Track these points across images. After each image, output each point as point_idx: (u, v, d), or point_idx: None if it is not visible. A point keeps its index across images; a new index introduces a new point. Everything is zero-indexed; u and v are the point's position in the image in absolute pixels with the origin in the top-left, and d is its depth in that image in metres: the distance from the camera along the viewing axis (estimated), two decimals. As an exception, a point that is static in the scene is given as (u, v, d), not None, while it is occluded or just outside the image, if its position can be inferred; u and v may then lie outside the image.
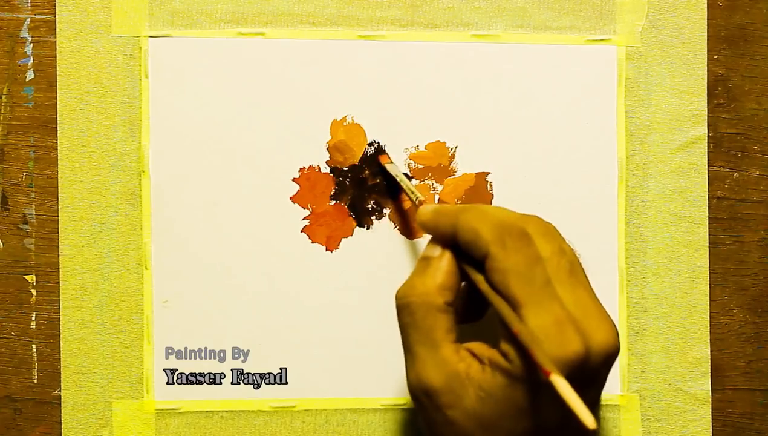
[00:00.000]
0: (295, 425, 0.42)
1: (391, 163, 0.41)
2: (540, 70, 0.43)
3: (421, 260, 0.34)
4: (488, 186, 0.43)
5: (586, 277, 0.33)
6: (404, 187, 0.40)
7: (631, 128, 0.43)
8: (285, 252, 0.42)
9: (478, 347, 0.32)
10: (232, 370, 0.42)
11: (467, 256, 0.33)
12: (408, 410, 0.42)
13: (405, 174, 0.42)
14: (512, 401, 0.30)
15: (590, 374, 0.31)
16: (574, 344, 0.30)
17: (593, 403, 0.33)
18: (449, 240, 0.34)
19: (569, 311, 0.31)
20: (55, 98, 0.42)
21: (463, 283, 0.35)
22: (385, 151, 0.42)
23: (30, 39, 0.42)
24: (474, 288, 0.34)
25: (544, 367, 0.29)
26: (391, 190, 0.42)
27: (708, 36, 0.43)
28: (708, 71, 0.43)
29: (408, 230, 0.42)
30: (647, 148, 0.43)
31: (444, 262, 0.34)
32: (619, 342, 0.32)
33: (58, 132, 0.42)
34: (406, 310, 0.33)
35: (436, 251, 0.34)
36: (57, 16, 0.42)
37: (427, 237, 0.43)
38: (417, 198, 0.38)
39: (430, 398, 0.32)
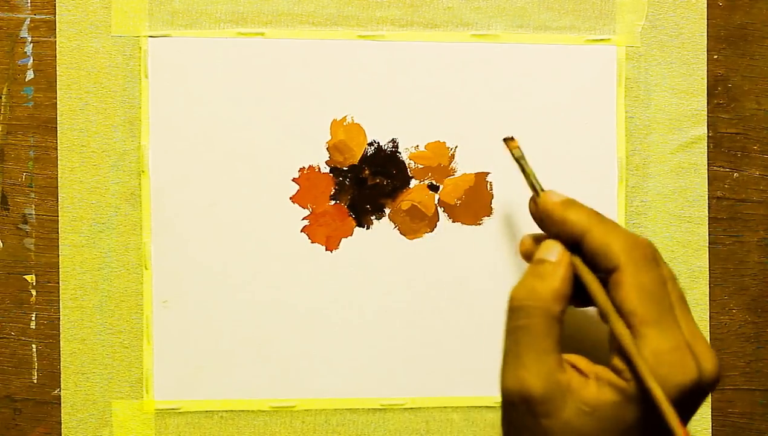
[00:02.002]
0: (295, 425, 0.42)
1: (518, 149, 0.38)
2: (540, 70, 0.43)
3: (537, 262, 0.34)
4: (488, 186, 0.43)
5: (689, 309, 0.33)
6: (529, 174, 0.37)
7: (630, 128, 0.43)
8: (285, 252, 0.42)
9: (580, 360, 0.32)
10: (232, 370, 0.42)
11: (587, 262, 0.33)
12: (408, 410, 0.42)
13: (406, 174, 0.42)
14: (620, 419, 0.30)
15: (695, 400, 0.31)
16: (693, 372, 0.30)
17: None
18: (570, 239, 0.33)
19: (685, 336, 0.31)
20: (55, 98, 0.42)
21: None
22: (513, 138, 0.39)
23: (30, 39, 0.42)
24: (587, 295, 0.33)
25: (669, 420, 0.29)
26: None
27: (708, 36, 0.43)
28: (708, 71, 0.43)
29: (409, 229, 0.42)
30: (647, 148, 0.43)
31: (563, 268, 0.33)
32: (720, 369, 0.32)
33: (58, 132, 0.42)
34: (522, 312, 0.32)
35: (554, 253, 0.33)
36: (57, 16, 0.42)
37: (427, 237, 0.42)
38: (539, 187, 0.36)
39: (528, 404, 0.31)
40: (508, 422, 0.33)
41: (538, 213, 0.35)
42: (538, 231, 0.36)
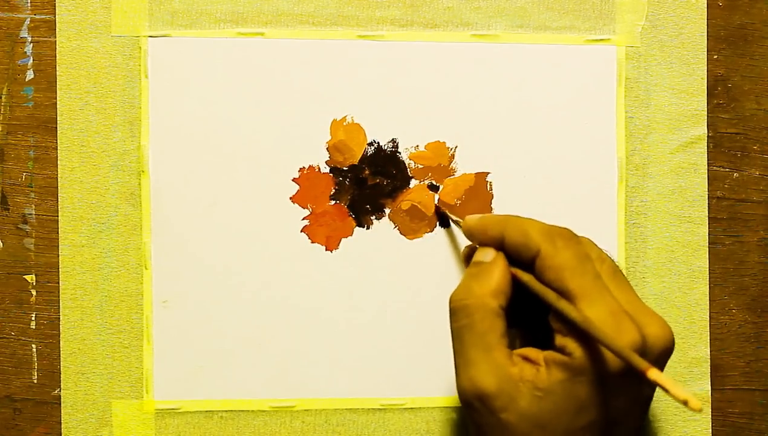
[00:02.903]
0: (294, 425, 0.42)
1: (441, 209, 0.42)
2: (540, 70, 0.43)
3: (473, 265, 0.35)
4: (488, 186, 0.43)
5: (629, 282, 0.34)
6: (450, 215, 0.42)
7: (630, 128, 0.43)
8: (285, 252, 0.42)
9: (529, 351, 0.33)
10: (232, 370, 0.42)
11: (514, 260, 0.34)
12: (408, 410, 0.42)
13: (406, 174, 0.42)
14: (573, 396, 0.31)
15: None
16: (631, 334, 0.31)
17: (648, 399, 0.33)
18: (496, 244, 0.35)
19: (622, 305, 0.32)
20: (55, 98, 0.42)
21: None
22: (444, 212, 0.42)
23: (30, 39, 0.42)
24: (522, 291, 0.34)
25: (634, 362, 0.29)
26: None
27: (708, 36, 0.43)
28: (708, 71, 0.43)
29: (408, 229, 0.42)
30: (647, 148, 0.43)
31: (498, 265, 0.34)
32: (673, 337, 0.33)
33: (58, 132, 0.42)
34: (462, 312, 0.33)
35: (489, 255, 0.35)
36: (57, 16, 0.42)
37: (428, 237, 0.43)
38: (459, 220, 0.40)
39: (484, 402, 0.32)
40: (471, 423, 0.33)
41: (468, 236, 0.38)
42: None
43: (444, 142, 0.43)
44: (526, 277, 0.34)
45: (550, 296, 0.32)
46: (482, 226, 0.36)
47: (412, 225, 0.42)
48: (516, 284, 0.34)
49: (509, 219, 0.35)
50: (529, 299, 0.34)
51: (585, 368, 0.30)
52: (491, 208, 0.42)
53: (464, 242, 0.42)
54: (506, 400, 0.31)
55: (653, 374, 0.29)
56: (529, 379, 0.31)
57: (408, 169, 0.43)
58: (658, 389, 0.30)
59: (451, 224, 0.42)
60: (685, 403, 0.27)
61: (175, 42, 0.42)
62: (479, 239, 0.36)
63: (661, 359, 0.32)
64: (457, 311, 0.34)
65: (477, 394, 0.32)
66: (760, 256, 0.44)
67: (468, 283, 0.34)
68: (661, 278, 0.43)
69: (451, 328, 0.34)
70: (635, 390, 0.32)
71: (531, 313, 0.36)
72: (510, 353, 0.32)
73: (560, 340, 0.32)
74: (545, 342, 0.33)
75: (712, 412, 0.43)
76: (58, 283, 0.41)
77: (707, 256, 0.43)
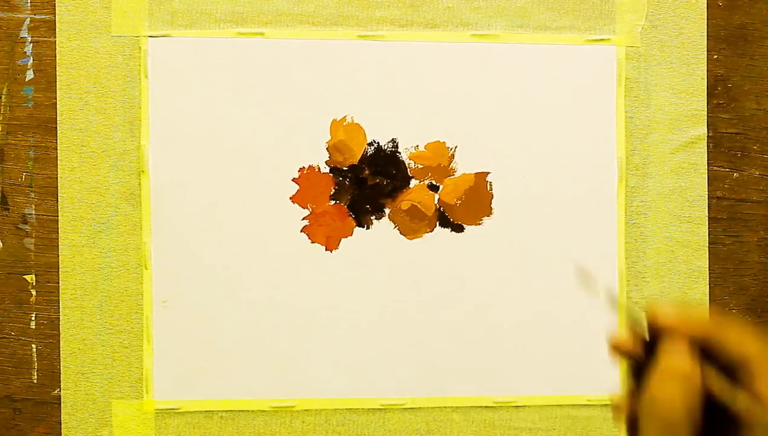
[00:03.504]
0: (295, 425, 0.42)
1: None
2: (540, 70, 0.43)
3: (667, 368, 0.30)
4: (488, 186, 0.43)
5: None
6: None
7: (630, 128, 0.43)
8: (285, 252, 0.42)
9: None
10: (232, 370, 0.42)
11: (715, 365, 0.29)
12: (408, 410, 0.42)
13: (406, 174, 0.42)
14: None
15: None
16: None
17: None
18: (693, 343, 0.30)
19: None
20: (55, 98, 0.42)
21: None
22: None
23: (30, 39, 0.42)
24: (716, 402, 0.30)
25: None
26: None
27: (708, 36, 0.43)
28: (708, 71, 0.43)
29: (408, 229, 0.42)
30: (647, 148, 0.43)
31: (696, 376, 0.29)
32: None
33: (58, 132, 0.42)
34: (659, 423, 0.28)
35: (686, 361, 0.30)
36: (57, 16, 0.42)
37: (427, 237, 0.43)
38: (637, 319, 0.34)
39: None
40: None
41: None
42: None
43: (444, 142, 0.42)
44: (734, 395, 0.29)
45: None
46: (682, 323, 0.30)
47: (412, 225, 0.42)
48: None
49: (723, 327, 0.30)
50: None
51: None
52: (491, 209, 0.42)
53: (461, 245, 0.42)
54: None
55: None
56: None
57: (408, 169, 0.42)
58: None
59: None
60: None
61: (175, 42, 0.42)
62: (670, 335, 0.30)
63: None
64: (650, 420, 0.29)
65: None
66: (760, 256, 0.44)
67: (668, 391, 0.29)
68: (661, 278, 0.43)
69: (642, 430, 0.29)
70: None
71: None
72: None
73: None
74: None
75: (712, 412, 0.43)
76: (58, 283, 0.41)
77: (707, 256, 0.43)
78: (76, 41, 0.42)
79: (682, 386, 0.29)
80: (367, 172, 0.42)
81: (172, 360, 0.42)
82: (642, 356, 0.31)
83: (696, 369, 0.29)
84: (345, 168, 0.42)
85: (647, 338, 0.31)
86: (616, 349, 0.32)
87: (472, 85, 0.42)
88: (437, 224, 0.42)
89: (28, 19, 0.42)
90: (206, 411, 0.42)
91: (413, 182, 0.42)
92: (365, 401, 0.42)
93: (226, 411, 0.42)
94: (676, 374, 0.30)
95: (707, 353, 0.30)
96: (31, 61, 0.42)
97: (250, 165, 0.42)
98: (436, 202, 0.43)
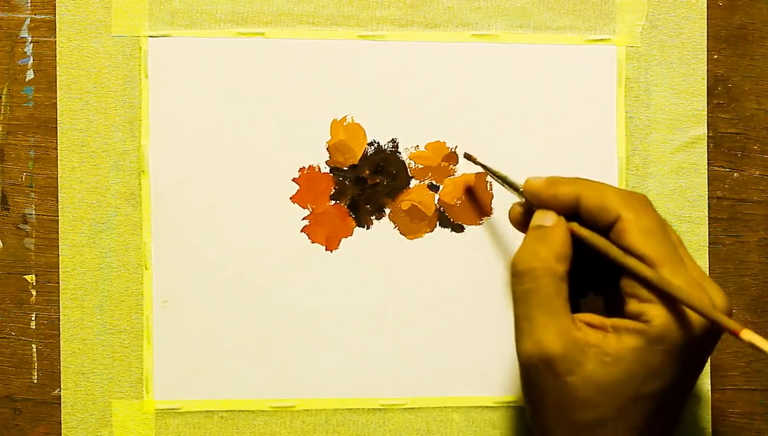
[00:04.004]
0: (295, 425, 0.42)
1: (476, 160, 0.41)
2: (540, 70, 0.43)
3: (534, 229, 0.34)
4: (488, 186, 0.43)
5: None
6: (504, 177, 0.39)
7: (631, 128, 0.43)
8: (285, 252, 0.42)
9: (591, 317, 0.33)
10: (232, 370, 0.42)
11: (586, 223, 0.34)
12: (408, 410, 0.42)
13: (406, 174, 0.42)
14: (644, 363, 0.31)
15: (713, 339, 0.32)
16: (716, 300, 0.31)
17: (704, 364, 0.34)
18: (567, 208, 0.34)
19: (694, 274, 0.32)
20: (55, 98, 0.42)
21: None
22: (471, 154, 0.41)
23: (30, 39, 0.42)
24: (593, 257, 0.33)
25: (727, 325, 0.29)
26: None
27: (708, 36, 0.43)
28: (708, 71, 0.43)
29: (408, 229, 0.42)
30: (647, 148, 0.43)
31: (561, 229, 0.34)
32: (731, 307, 0.33)
33: (58, 132, 0.42)
34: (528, 275, 0.33)
35: (550, 218, 0.34)
36: (57, 16, 0.42)
37: (427, 237, 0.43)
38: (517, 184, 0.38)
39: (549, 365, 0.31)
40: (531, 387, 0.33)
41: (527, 205, 0.36)
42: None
43: (444, 142, 0.42)
44: (602, 242, 0.33)
45: (632, 261, 0.31)
46: (552, 188, 0.34)
47: (412, 225, 0.42)
48: (576, 251, 0.34)
49: (583, 182, 0.34)
50: (586, 265, 0.34)
51: (662, 336, 0.30)
52: (491, 209, 0.42)
53: (461, 245, 0.42)
54: (572, 363, 0.31)
55: (747, 334, 0.29)
56: (595, 344, 0.31)
57: (408, 169, 0.42)
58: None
59: (479, 169, 0.41)
60: None
61: (175, 42, 0.42)
62: (547, 202, 0.34)
63: (721, 332, 0.32)
64: (522, 274, 0.33)
65: (542, 357, 0.31)
66: (760, 256, 0.44)
67: (533, 246, 0.33)
68: (661, 278, 0.43)
69: (514, 291, 0.33)
70: (700, 360, 0.32)
71: (588, 279, 0.36)
72: (574, 318, 0.32)
73: (636, 306, 0.31)
74: (607, 308, 0.33)
75: (712, 412, 0.43)
76: (58, 283, 0.41)
77: (707, 256, 0.43)
78: (77, 41, 0.42)
79: (545, 240, 0.33)
80: (367, 172, 0.42)
81: (172, 360, 0.42)
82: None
83: (560, 226, 0.34)
84: (345, 168, 0.42)
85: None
86: (511, 221, 0.37)
87: (472, 85, 0.42)
88: (437, 224, 0.42)
89: (29, 19, 0.42)
90: (206, 411, 0.42)
91: (413, 182, 0.42)
92: (365, 401, 0.42)
93: (226, 411, 0.42)
94: (539, 232, 0.34)
95: (581, 216, 0.33)
96: (31, 61, 0.42)
97: (250, 165, 0.42)
98: (436, 202, 0.43)
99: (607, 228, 0.33)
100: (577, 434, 0.32)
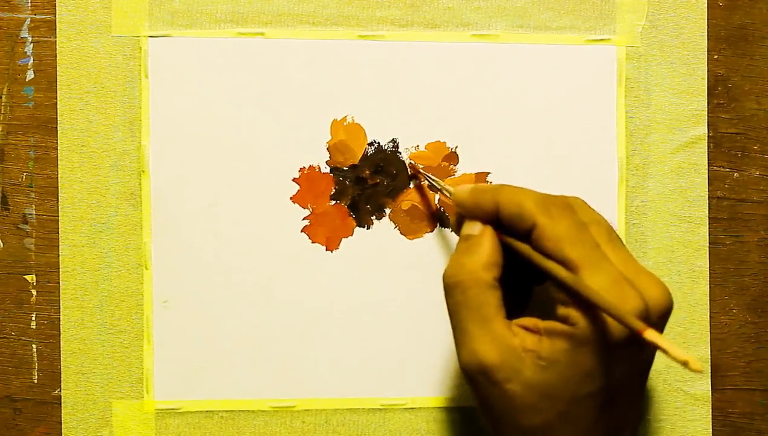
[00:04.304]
0: (295, 425, 0.42)
1: (416, 167, 0.42)
2: (540, 70, 0.43)
3: (462, 240, 0.35)
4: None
5: (624, 244, 0.34)
6: (437, 184, 0.40)
7: (631, 128, 0.43)
8: (285, 252, 0.42)
9: (528, 321, 0.33)
10: (232, 370, 0.42)
11: (508, 231, 0.34)
12: (408, 410, 0.42)
13: (407, 174, 0.42)
14: (577, 365, 0.31)
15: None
16: (634, 300, 0.31)
17: (647, 367, 0.34)
18: (490, 217, 0.34)
19: (620, 270, 0.31)
20: (55, 98, 0.42)
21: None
22: (412, 163, 0.42)
23: (30, 39, 0.42)
24: (519, 264, 0.34)
25: (632, 324, 0.29)
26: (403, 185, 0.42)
27: (708, 36, 0.43)
28: (708, 71, 0.43)
29: (409, 229, 0.42)
30: (647, 148, 0.43)
31: (487, 238, 0.34)
32: (671, 298, 0.32)
33: (58, 132, 0.42)
34: (456, 289, 0.33)
35: (476, 228, 0.34)
36: (57, 16, 0.42)
37: (428, 237, 0.43)
38: (448, 190, 0.38)
39: (487, 374, 0.32)
40: (478, 396, 0.33)
41: (459, 215, 0.36)
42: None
43: (444, 142, 0.43)
44: (524, 248, 0.33)
45: (551, 266, 0.32)
46: (474, 198, 0.35)
47: (412, 225, 0.42)
48: (508, 254, 0.34)
49: (502, 190, 0.34)
50: (523, 267, 0.34)
51: (588, 338, 0.30)
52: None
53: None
54: (509, 371, 0.31)
55: (650, 335, 0.29)
56: (532, 348, 0.31)
57: (408, 169, 0.43)
58: (658, 356, 0.30)
59: (430, 186, 0.42)
60: (684, 364, 0.28)
61: (175, 42, 0.42)
62: (471, 212, 0.35)
63: (660, 321, 0.32)
64: (451, 288, 0.33)
65: (480, 367, 0.32)
66: (760, 256, 0.44)
67: (459, 258, 0.34)
68: (660, 277, 0.43)
69: (447, 304, 0.34)
70: (636, 358, 0.32)
71: (524, 281, 0.36)
72: (509, 323, 0.32)
73: (562, 310, 0.31)
74: (542, 310, 0.33)
75: (712, 412, 0.43)
76: (59, 283, 0.41)
77: (707, 256, 0.43)
78: (77, 41, 0.42)
79: (471, 251, 0.34)
80: (367, 172, 0.42)
81: (173, 360, 0.42)
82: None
83: (485, 234, 0.34)
84: (345, 168, 0.42)
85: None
86: (454, 231, 0.37)
87: (472, 85, 0.42)
88: (438, 224, 0.42)
89: (29, 19, 0.42)
90: (206, 411, 0.42)
91: (413, 182, 0.43)
92: (365, 401, 0.42)
93: (226, 411, 0.42)
94: (465, 243, 0.34)
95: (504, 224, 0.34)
96: (31, 61, 0.42)
97: (250, 165, 0.42)
98: (436, 202, 0.43)
99: (527, 234, 0.33)
100: None
